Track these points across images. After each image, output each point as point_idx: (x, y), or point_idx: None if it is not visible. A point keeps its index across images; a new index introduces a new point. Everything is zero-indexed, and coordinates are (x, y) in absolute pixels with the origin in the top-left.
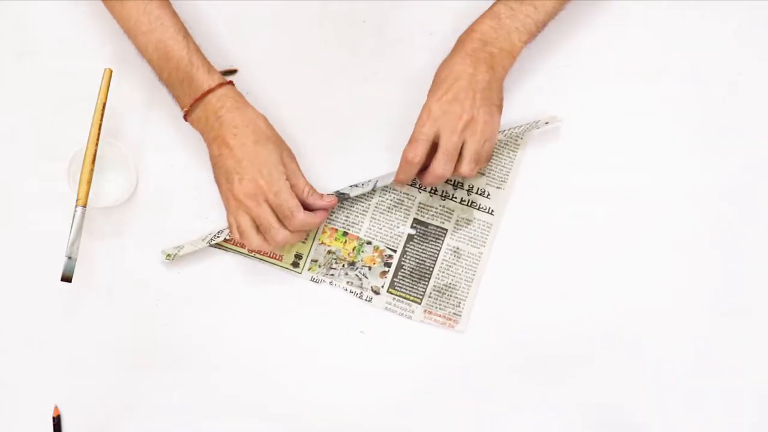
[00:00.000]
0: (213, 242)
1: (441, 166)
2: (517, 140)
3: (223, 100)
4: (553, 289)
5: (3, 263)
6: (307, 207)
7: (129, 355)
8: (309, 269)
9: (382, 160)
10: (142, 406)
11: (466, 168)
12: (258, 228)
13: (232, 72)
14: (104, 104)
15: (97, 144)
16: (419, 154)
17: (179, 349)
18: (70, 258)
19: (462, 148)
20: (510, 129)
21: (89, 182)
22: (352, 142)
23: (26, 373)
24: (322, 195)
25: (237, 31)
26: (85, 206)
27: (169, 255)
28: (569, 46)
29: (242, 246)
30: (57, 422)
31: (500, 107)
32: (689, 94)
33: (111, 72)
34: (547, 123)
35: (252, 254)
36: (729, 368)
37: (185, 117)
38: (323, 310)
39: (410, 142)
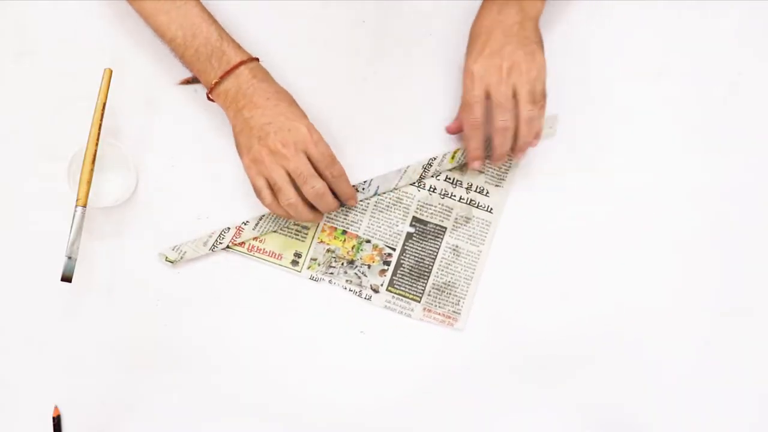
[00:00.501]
0: (216, 248)
1: (500, 119)
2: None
3: (255, 71)
4: (553, 288)
5: (3, 263)
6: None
7: (129, 355)
8: (308, 267)
9: (381, 160)
10: (142, 406)
11: (525, 111)
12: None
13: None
14: (104, 104)
15: (97, 144)
16: (478, 114)
17: (179, 349)
18: (70, 258)
19: (515, 94)
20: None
21: (89, 182)
22: (351, 142)
23: (26, 373)
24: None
25: (236, 32)
26: (85, 206)
27: (169, 259)
28: (570, 47)
29: (271, 208)
30: (57, 422)
31: (540, 43)
32: (690, 94)
33: (111, 72)
34: (550, 127)
35: (252, 253)
36: (729, 368)
37: (210, 91)
38: (323, 311)
39: (463, 109)
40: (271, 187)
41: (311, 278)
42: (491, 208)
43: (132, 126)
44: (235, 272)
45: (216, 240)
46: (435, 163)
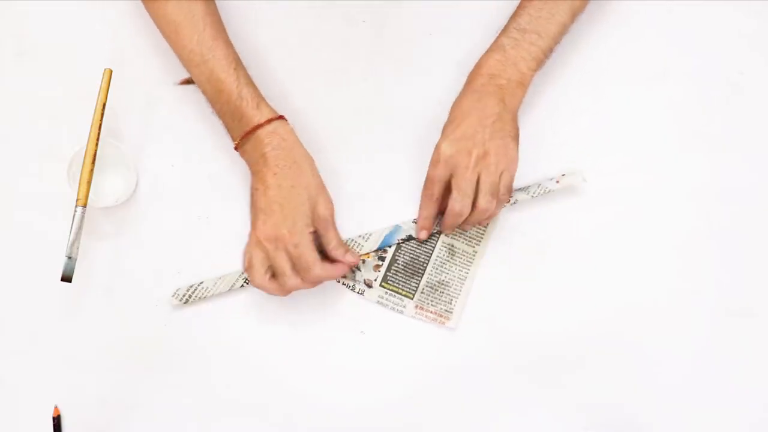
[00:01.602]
0: (234, 287)
1: (458, 203)
2: (540, 193)
3: (271, 137)
4: (552, 288)
5: (3, 263)
6: (329, 258)
7: (129, 355)
8: None
9: (381, 160)
10: (142, 406)
11: (483, 201)
12: (269, 268)
13: None
14: (104, 104)
15: (97, 144)
16: (436, 192)
17: (179, 349)
18: (70, 258)
19: (478, 182)
20: (529, 187)
21: (89, 182)
22: (351, 141)
23: (26, 373)
24: (347, 250)
25: (236, 32)
26: (85, 206)
27: (180, 299)
28: (570, 47)
29: (261, 286)
30: (57, 422)
31: (515, 137)
32: (691, 94)
33: (111, 72)
34: (563, 175)
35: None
36: (730, 369)
37: (236, 148)
38: (323, 311)
39: (425, 183)
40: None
41: None
42: None
43: (132, 126)
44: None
45: (235, 282)
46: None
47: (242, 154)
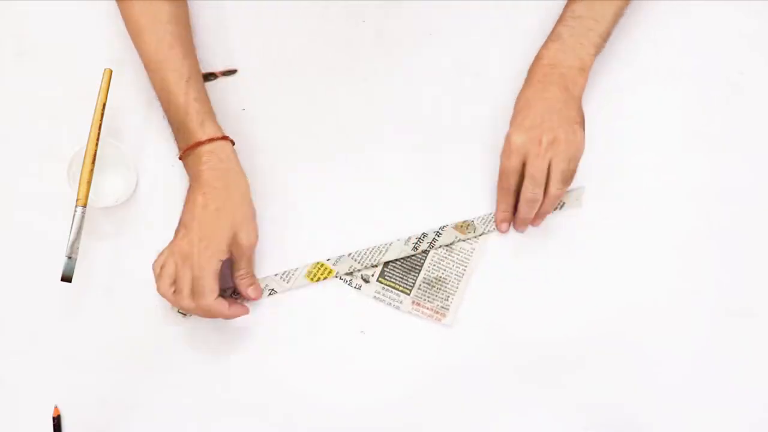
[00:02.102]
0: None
1: (529, 191)
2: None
3: (209, 156)
4: (552, 288)
5: (3, 263)
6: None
7: (129, 355)
8: None
9: (381, 160)
10: (142, 406)
11: (554, 188)
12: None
13: (232, 72)
14: (104, 104)
15: (97, 144)
16: (512, 183)
17: (179, 349)
18: (70, 258)
19: (549, 170)
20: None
21: (89, 182)
22: (351, 141)
23: (26, 373)
24: (252, 284)
25: (236, 32)
26: (85, 206)
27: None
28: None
29: (164, 296)
30: (57, 422)
31: (582, 123)
32: (692, 94)
33: (111, 72)
34: (576, 199)
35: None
36: (730, 369)
37: (180, 158)
38: (323, 311)
39: (500, 176)
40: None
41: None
42: None
43: (132, 126)
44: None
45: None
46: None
47: (184, 166)
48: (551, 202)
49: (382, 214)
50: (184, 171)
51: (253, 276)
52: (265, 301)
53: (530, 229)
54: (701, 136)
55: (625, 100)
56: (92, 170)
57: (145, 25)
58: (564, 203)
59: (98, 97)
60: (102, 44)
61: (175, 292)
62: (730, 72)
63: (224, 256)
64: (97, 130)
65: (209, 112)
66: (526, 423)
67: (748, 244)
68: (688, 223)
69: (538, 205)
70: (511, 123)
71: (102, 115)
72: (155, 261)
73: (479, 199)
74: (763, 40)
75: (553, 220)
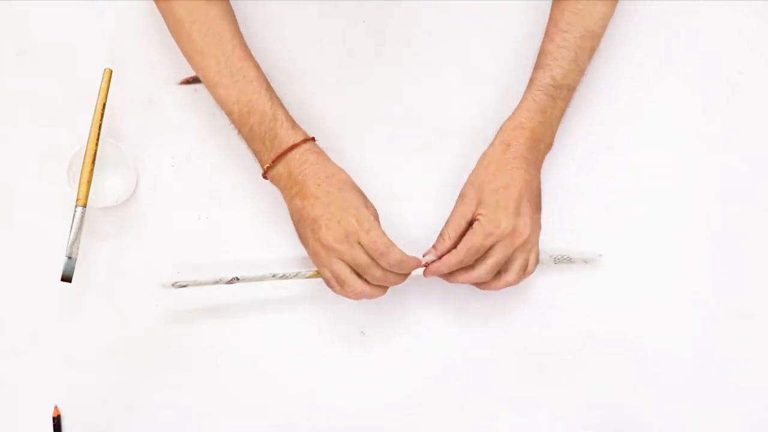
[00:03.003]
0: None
1: (486, 275)
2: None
3: (306, 155)
4: (552, 288)
5: (2, 263)
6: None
7: (129, 355)
8: None
9: (381, 160)
10: (142, 406)
11: (512, 277)
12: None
13: None
14: (104, 104)
15: (97, 144)
16: (472, 258)
17: (179, 349)
18: (70, 258)
19: (510, 258)
20: (551, 257)
21: (89, 182)
22: (351, 142)
23: (26, 373)
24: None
25: None
26: (85, 206)
27: (175, 283)
28: None
29: (343, 295)
30: (57, 422)
31: (540, 208)
32: (692, 94)
33: (111, 72)
34: (585, 261)
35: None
36: (730, 369)
37: (265, 173)
38: (323, 311)
39: (469, 249)
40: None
41: None
42: None
43: (132, 126)
44: (235, 271)
45: (229, 280)
46: None
47: (273, 179)
48: (501, 285)
49: (383, 214)
50: (263, 181)
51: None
52: (265, 301)
53: None
54: (701, 136)
55: (625, 100)
56: (92, 170)
57: (209, 43)
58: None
59: (98, 97)
60: (102, 44)
61: (360, 272)
62: (730, 72)
63: (374, 213)
64: (97, 130)
65: (293, 119)
66: (526, 423)
67: (748, 244)
68: (688, 223)
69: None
70: (488, 192)
71: (102, 115)
72: (326, 281)
73: None
74: (763, 40)
75: (551, 220)
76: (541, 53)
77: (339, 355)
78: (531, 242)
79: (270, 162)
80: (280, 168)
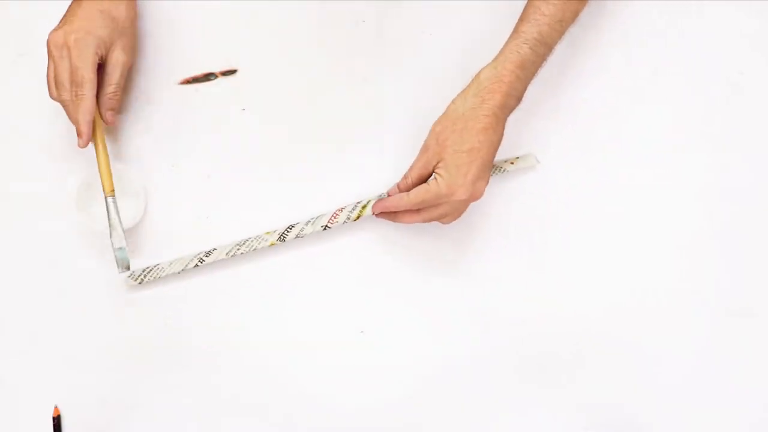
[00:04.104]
0: (189, 267)
1: (426, 222)
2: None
3: None
4: (552, 288)
5: (2, 263)
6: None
7: (129, 355)
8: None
9: (381, 160)
10: (142, 406)
11: (420, 218)
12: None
13: (232, 72)
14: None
15: (103, 137)
16: (409, 210)
17: (179, 348)
18: (121, 248)
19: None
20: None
21: (109, 170)
22: (351, 142)
23: (26, 373)
24: (112, 111)
25: (236, 32)
26: (113, 194)
27: (136, 278)
28: (569, 47)
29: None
30: (57, 422)
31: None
32: (691, 94)
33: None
34: (516, 159)
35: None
36: (730, 369)
37: None
38: (323, 310)
39: (426, 199)
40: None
41: (298, 236)
42: None
43: (132, 126)
44: (234, 273)
45: (192, 259)
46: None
47: None
48: (408, 218)
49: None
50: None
51: (119, 101)
52: (265, 301)
53: (530, 229)
54: (701, 136)
55: (625, 99)
56: (107, 157)
57: None
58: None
59: None
60: None
61: (56, 83)
62: (730, 72)
63: (101, 52)
64: (100, 123)
65: None
66: (526, 423)
67: (748, 244)
68: (688, 223)
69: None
70: (454, 149)
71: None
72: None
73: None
74: (763, 40)
75: (553, 220)
76: (529, 6)
77: (339, 355)
78: (477, 198)
79: None
80: None
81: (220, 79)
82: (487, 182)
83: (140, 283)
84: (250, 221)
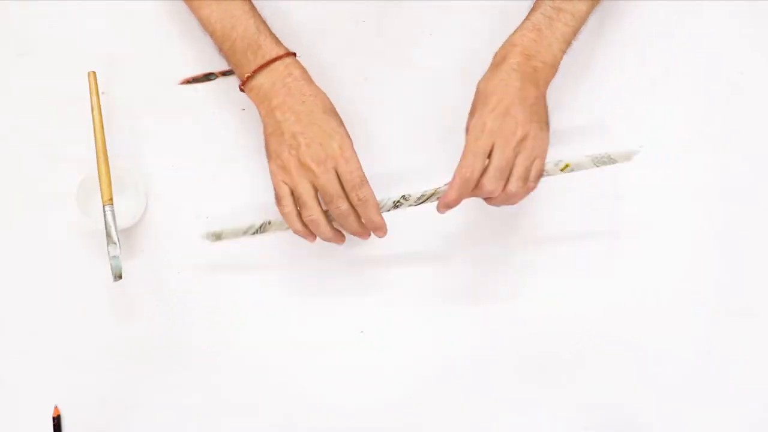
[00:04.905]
0: (258, 232)
1: (492, 183)
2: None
3: (291, 68)
4: (553, 288)
5: (2, 263)
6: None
7: (129, 355)
8: None
9: (381, 159)
10: (142, 406)
11: (513, 185)
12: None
13: (232, 72)
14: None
15: (104, 142)
16: (477, 169)
17: (179, 349)
18: (116, 257)
19: (513, 164)
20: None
21: (109, 179)
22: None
23: (26, 373)
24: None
25: None
26: (111, 203)
27: (215, 235)
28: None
29: (288, 218)
30: (57, 422)
31: (548, 124)
32: (691, 94)
33: (95, 74)
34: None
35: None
36: (730, 369)
37: (243, 84)
38: (323, 311)
39: (465, 157)
40: (295, 199)
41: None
42: None
43: (132, 126)
44: (234, 273)
45: (258, 228)
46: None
47: (253, 90)
48: (505, 198)
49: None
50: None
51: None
52: (265, 301)
53: (529, 229)
54: (701, 136)
55: (625, 99)
56: (108, 166)
57: None
58: (614, 160)
59: (91, 100)
60: (103, 44)
61: (326, 200)
62: (730, 72)
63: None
64: (101, 129)
65: (276, 36)
66: (526, 423)
67: (748, 244)
68: (688, 223)
69: (493, 197)
70: (481, 106)
71: (100, 113)
72: (280, 198)
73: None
74: (763, 40)
75: (552, 220)
76: None
77: (339, 354)
78: (529, 147)
79: (252, 72)
80: (262, 78)
81: (220, 79)
82: (527, 126)
83: (215, 240)
84: (250, 221)
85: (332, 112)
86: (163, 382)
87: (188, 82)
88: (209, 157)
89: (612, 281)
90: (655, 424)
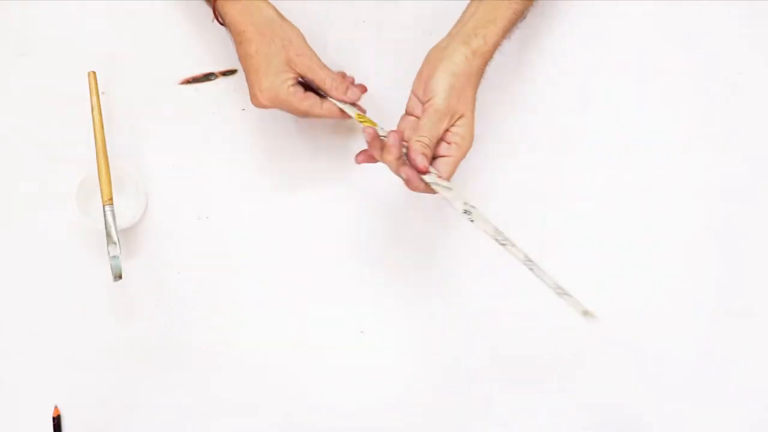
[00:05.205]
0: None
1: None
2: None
3: None
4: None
5: (2, 263)
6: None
7: (129, 355)
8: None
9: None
10: (142, 406)
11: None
12: None
13: (232, 72)
14: (99, 105)
15: (104, 142)
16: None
17: (179, 349)
18: (115, 257)
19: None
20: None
21: (109, 179)
22: (351, 141)
23: (26, 373)
24: (347, 87)
25: None
26: (111, 203)
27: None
28: (570, 46)
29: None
30: (57, 422)
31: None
32: (691, 94)
33: (95, 74)
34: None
35: None
36: (731, 369)
37: (215, 11)
38: (323, 311)
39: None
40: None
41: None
42: None
43: (132, 127)
44: (235, 273)
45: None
46: None
47: (224, 15)
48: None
49: (382, 214)
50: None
51: (340, 79)
52: (265, 301)
53: (529, 229)
54: (701, 136)
55: (625, 99)
56: (108, 166)
57: None
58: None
59: (91, 100)
60: (103, 44)
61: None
62: (729, 72)
63: (292, 78)
64: (101, 129)
65: None
66: (526, 423)
67: (748, 244)
68: (688, 223)
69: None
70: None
71: (100, 113)
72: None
73: (480, 196)
74: (763, 40)
75: (552, 219)
76: None
77: (339, 354)
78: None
79: None
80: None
81: (220, 79)
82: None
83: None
84: (250, 221)
85: (275, 36)
86: (163, 382)
87: (188, 82)
88: (209, 157)
89: (612, 281)
90: (655, 424)
